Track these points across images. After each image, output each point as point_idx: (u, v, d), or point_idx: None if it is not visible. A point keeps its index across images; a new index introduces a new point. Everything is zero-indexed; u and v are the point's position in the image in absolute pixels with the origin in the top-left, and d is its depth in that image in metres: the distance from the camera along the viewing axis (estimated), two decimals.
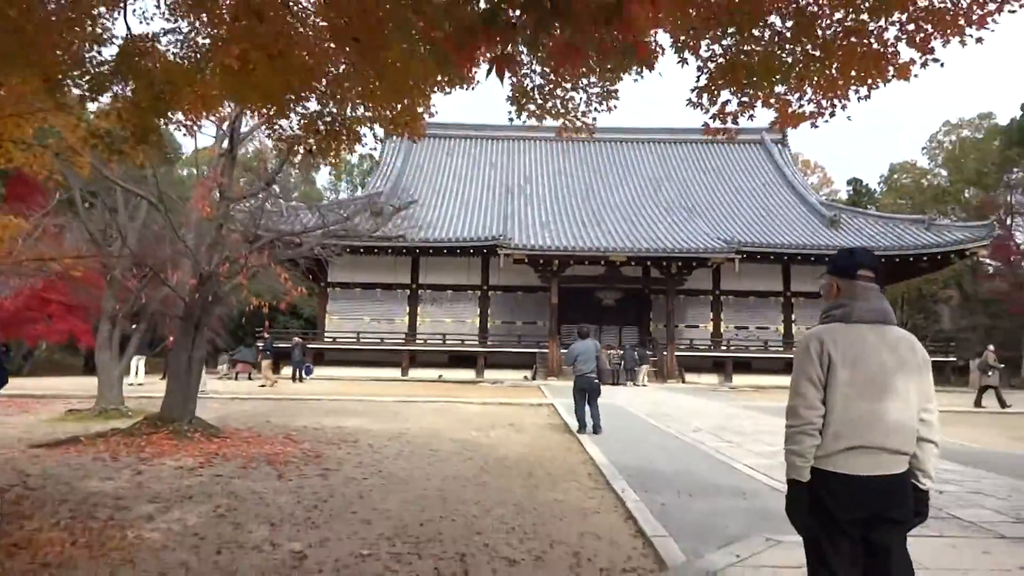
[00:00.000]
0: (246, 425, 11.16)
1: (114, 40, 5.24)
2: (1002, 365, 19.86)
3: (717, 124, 4.71)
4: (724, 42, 4.24)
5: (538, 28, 3.25)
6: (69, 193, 13.29)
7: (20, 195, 16.81)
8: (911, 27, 4.08)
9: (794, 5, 4.18)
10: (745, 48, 4.22)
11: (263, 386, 22.25)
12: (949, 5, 4.01)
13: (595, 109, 4.73)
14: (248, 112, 8.61)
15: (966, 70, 74.28)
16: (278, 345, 26.62)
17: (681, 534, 4.96)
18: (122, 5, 5.21)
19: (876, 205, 46.76)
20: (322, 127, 5.48)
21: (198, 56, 5.06)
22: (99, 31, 5.12)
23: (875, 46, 4.20)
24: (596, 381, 11.24)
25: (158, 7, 5.21)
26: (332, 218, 15.29)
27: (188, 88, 5.05)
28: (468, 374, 29.95)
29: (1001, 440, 11.64)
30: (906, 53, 4.25)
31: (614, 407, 14.53)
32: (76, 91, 5.44)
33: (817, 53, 4.22)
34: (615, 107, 4.66)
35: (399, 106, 5.25)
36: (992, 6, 3.99)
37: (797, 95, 4.49)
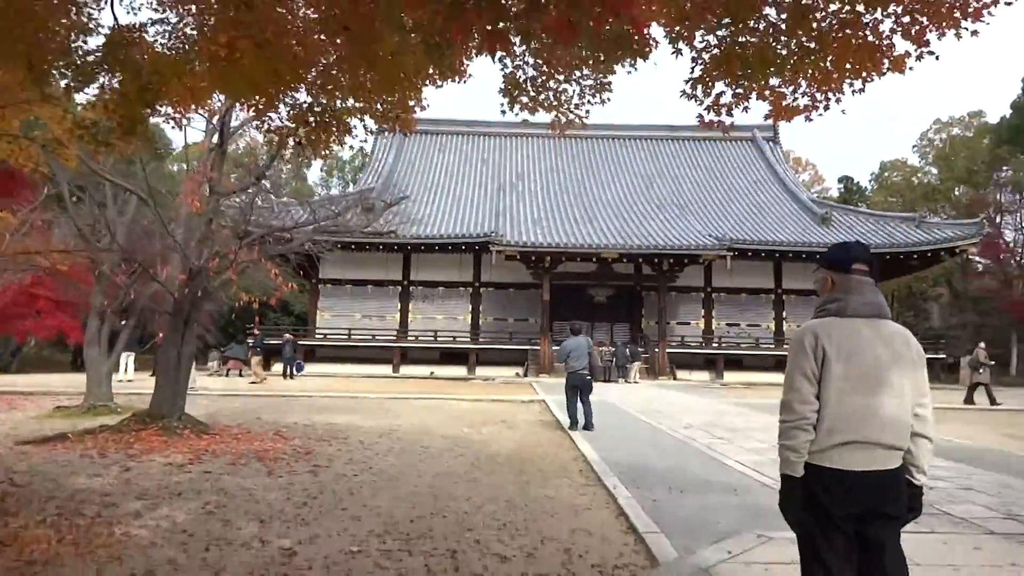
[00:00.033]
0: (236, 422, 11.09)
1: (100, 30, 5.18)
2: (992, 362, 19.97)
3: (712, 116, 4.67)
4: (719, 32, 4.21)
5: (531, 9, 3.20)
6: (57, 188, 13.14)
7: (7, 190, 16.59)
8: (906, 19, 4.06)
9: None
10: (740, 39, 4.19)
11: (253, 383, 22.12)
12: None
13: (588, 101, 4.71)
14: (238, 106, 8.53)
15: (958, 67, 74.53)
16: (269, 342, 26.45)
17: (673, 530, 4.95)
18: None
19: (867, 203, 46.90)
20: (312, 119, 5.43)
21: (186, 47, 5.00)
22: (84, 20, 5.06)
23: (870, 38, 4.17)
24: (589, 378, 11.25)
25: None
26: (323, 214, 15.20)
27: (176, 79, 5.00)
28: (460, 371, 29.94)
29: (992, 437, 11.69)
30: (901, 46, 4.24)
31: (606, 404, 14.52)
32: (62, 81, 5.38)
33: (812, 45, 4.20)
34: (608, 99, 4.63)
35: (390, 99, 5.21)
36: None
37: (791, 88, 4.46)
